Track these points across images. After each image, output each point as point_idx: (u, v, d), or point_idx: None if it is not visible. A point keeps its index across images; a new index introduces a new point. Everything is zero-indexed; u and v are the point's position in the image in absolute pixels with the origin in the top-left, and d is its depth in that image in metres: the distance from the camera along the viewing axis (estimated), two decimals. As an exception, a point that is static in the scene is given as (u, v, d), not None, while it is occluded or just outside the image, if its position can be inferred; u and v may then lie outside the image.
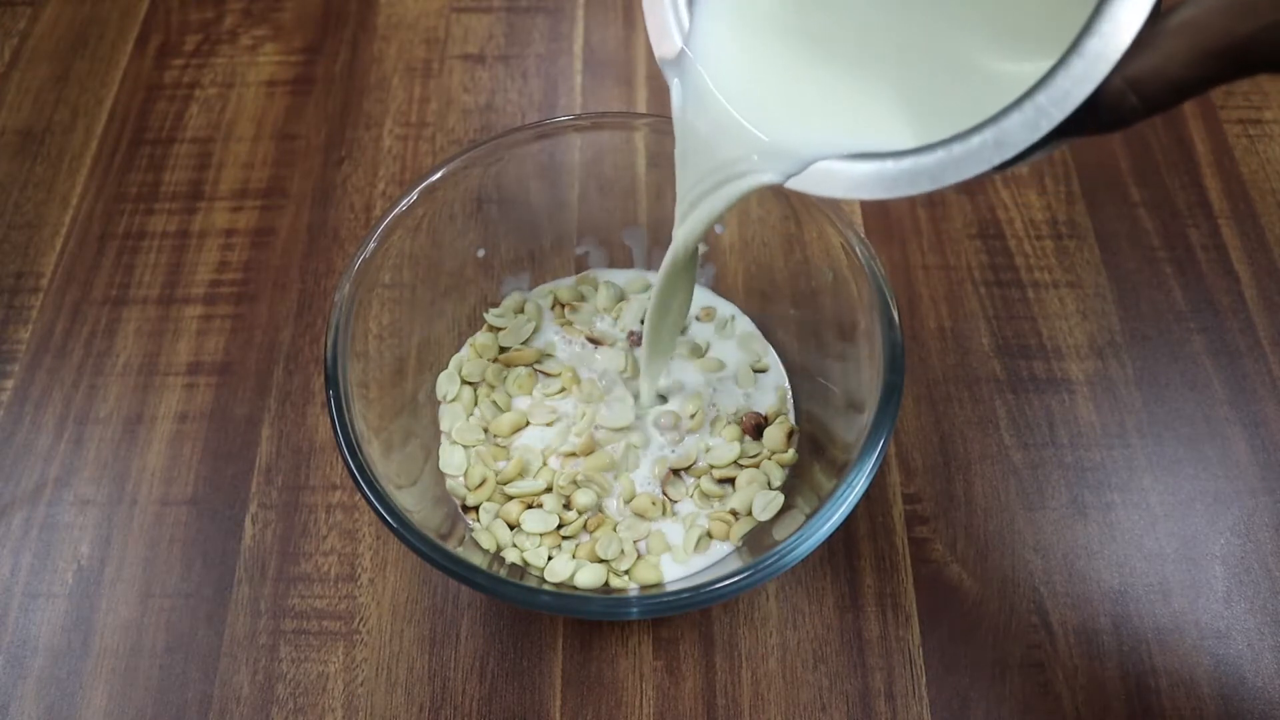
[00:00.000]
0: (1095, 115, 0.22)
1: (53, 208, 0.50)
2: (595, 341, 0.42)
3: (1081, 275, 0.46)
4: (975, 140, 0.23)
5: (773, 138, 0.26)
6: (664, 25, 0.27)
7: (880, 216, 0.48)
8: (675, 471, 0.39)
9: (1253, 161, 0.50)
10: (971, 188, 0.49)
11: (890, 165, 0.25)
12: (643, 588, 0.36)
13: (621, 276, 0.44)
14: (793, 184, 0.26)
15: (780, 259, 0.41)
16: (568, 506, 0.38)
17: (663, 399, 0.40)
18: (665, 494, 0.38)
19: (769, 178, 0.26)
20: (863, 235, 0.36)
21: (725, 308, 0.44)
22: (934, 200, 0.49)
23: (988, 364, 0.44)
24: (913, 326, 0.45)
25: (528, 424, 0.40)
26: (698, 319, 0.43)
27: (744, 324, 0.43)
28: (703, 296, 0.44)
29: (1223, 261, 0.47)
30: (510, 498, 0.38)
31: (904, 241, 0.48)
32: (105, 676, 0.38)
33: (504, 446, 0.40)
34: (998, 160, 0.23)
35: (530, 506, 0.38)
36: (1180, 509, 0.40)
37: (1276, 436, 0.42)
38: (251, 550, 0.40)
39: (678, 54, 0.27)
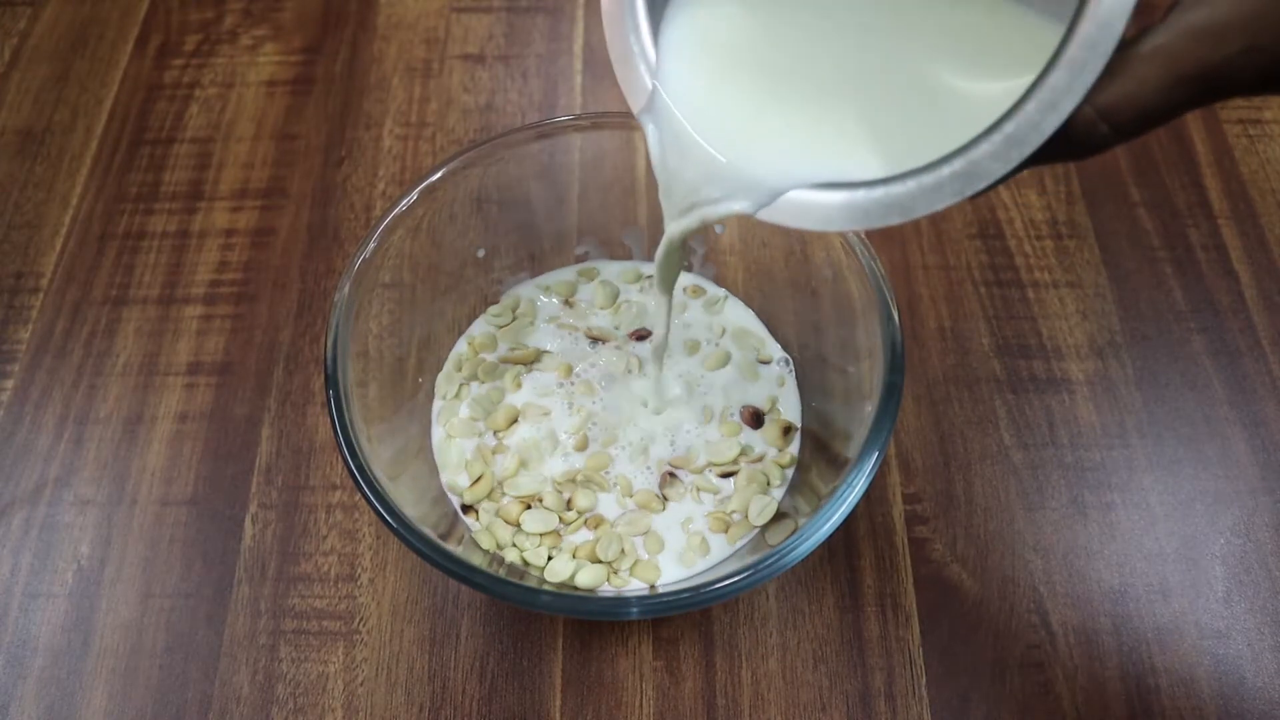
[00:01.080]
0: (1065, 143, 0.22)
1: (53, 208, 0.50)
2: (595, 338, 0.42)
3: (1081, 275, 0.46)
4: (946, 171, 0.23)
5: (744, 169, 0.26)
6: (632, 77, 0.27)
7: (880, 216, 0.48)
8: (672, 473, 0.39)
9: (1253, 161, 0.50)
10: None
11: (861, 195, 0.24)
12: (647, 587, 0.36)
13: (621, 269, 0.44)
14: (764, 215, 0.26)
15: (780, 259, 0.41)
16: (568, 506, 0.38)
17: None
18: (663, 493, 0.38)
19: (740, 207, 0.26)
20: (863, 235, 0.36)
21: (716, 290, 0.44)
22: (934, 200, 0.49)
23: (988, 364, 0.44)
24: (913, 326, 0.45)
25: (523, 419, 0.40)
26: (687, 293, 0.43)
27: (745, 317, 0.43)
28: (696, 283, 0.44)
29: (1223, 261, 0.47)
30: (509, 495, 0.38)
31: (904, 241, 0.48)
32: (105, 676, 0.38)
33: (503, 443, 0.40)
34: (969, 192, 0.23)
35: (529, 507, 0.38)
36: (1180, 509, 0.40)
37: (1276, 436, 0.42)
38: (251, 550, 0.40)
39: (650, 98, 0.27)
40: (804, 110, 0.26)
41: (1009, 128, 0.22)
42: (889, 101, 0.25)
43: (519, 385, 0.41)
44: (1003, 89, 0.23)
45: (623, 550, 0.36)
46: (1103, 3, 0.20)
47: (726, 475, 0.39)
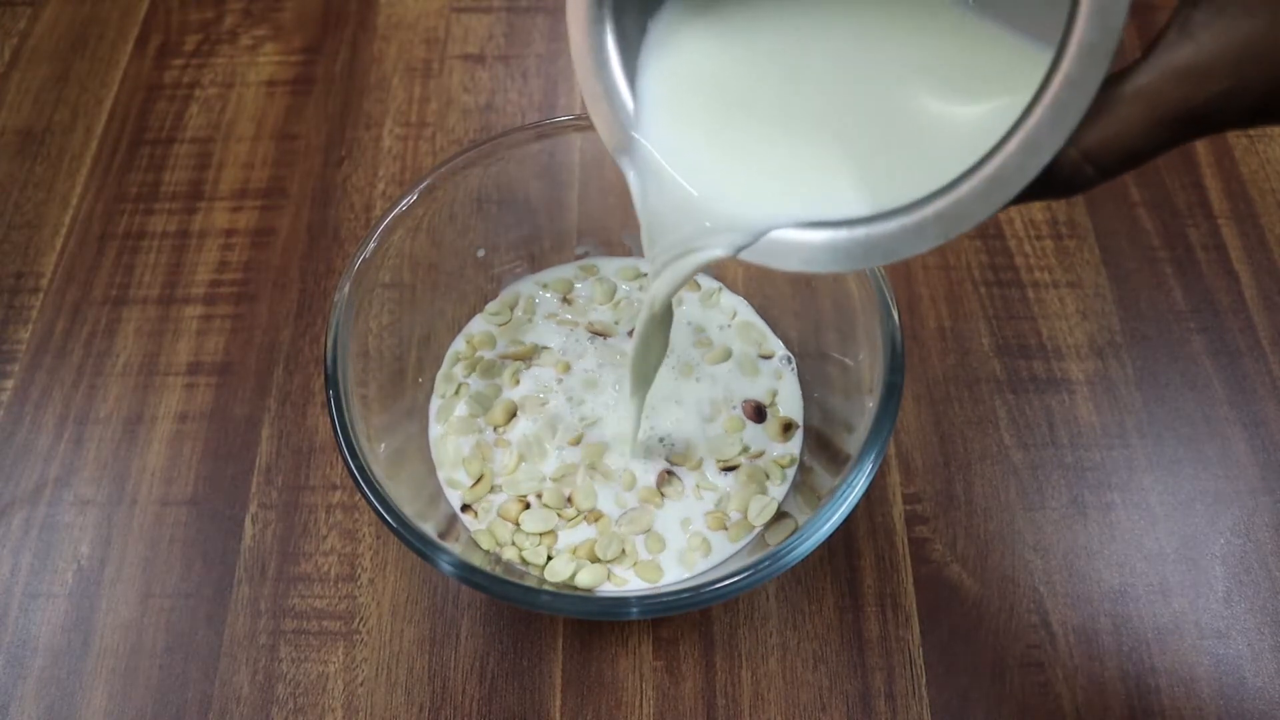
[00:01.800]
0: (1049, 183, 0.21)
1: (53, 208, 0.50)
2: (596, 333, 0.42)
3: (1081, 275, 0.46)
4: (929, 211, 0.23)
5: (725, 210, 0.26)
6: (609, 119, 0.26)
7: (880, 216, 0.48)
8: (671, 471, 0.39)
9: (1253, 161, 0.50)
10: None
11: (844, 236, 0.24)
12: (648, 587, 0.36)
13: (620, 265, 0.44)
14: (746, 256, 0.25)
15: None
16: (568, 502, 0.38)
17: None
18: (662, 491, 0.38)
19: (718, 252, 0.26)
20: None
21: (710, 283, 0.44)
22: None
23: (988, 364, 0.44)
24: (913, 326, 0.45)
25: (522, 415, 0.40)
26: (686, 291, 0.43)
27: (745, 311, 0.43)
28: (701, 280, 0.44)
29: (1223, 261, 0.47)
30: (507, 493, 0.38)
31: (904, 241, 0.47)
32: (105, 676, 0.38)
33: (501, 438, 0.40)
34: (953, 234, 0.22)
35: (528, 506, 0.38)
36: (1180, 509, 0.40)
37: (1276, 436, 0.42)
38: (251, 550, 0.40)
39: (629, 142, 0.26)
40: (784, 148, 0.26)
41: (991, 169, 0.21)
42: (870, 137, 0.25)
43: (517, 381, 0.41)
44: (985, 113, 0.23)
45: (623, 550, 0.36)
46: (1085, 42, 0.20)
47: (728, 469, 0.38)
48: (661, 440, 0.39)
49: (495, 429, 0.40)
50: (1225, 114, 0.20)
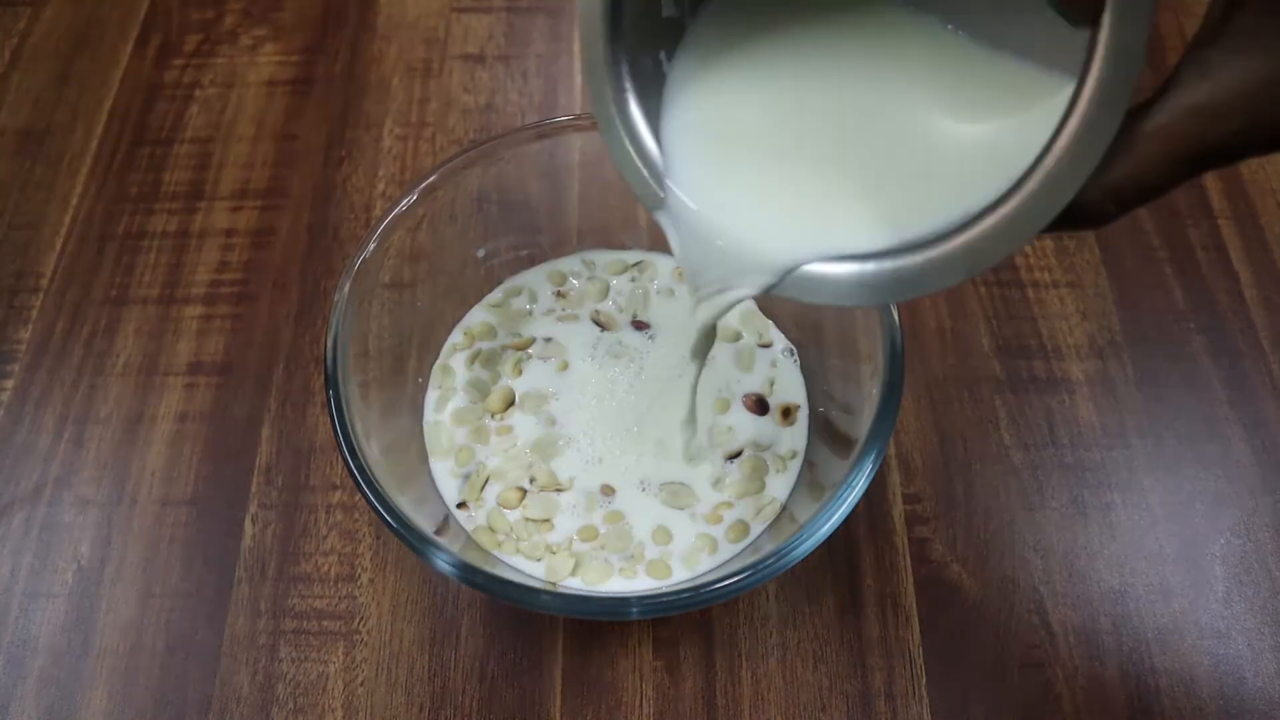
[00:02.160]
0: (1070, 219, 0.22)
1: (53, 208, 0.50)
2: (601, 325, 0.42)
3: (1081, 275, 0.46)
4: (956, 245, 0.23)
5: (751, 253, 0.26)
6: (642, 179, 0.27)
7: (880, 216, 0.48)
8: (670, 468, 0.38)
9: (1253, 162, 0.50)
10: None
11: (872, 270, 0.24)
12: (649, 586, 0.36)
13: (609, 259, 0.44)
14: (779, 292, 0.26)
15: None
16: (558, 488, 0.38)
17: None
18: (662, 488, 0.38)
19: (748, 291, 0.27)
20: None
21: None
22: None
23: (988, 364, 0.44)
24: (913, 326, 0.45)
25: (522, 408, 0.40)
26: (674, 275, 0.43)
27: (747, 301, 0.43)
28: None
29: (1223, 261, 0.47)
30: (504, 486, 0.38)
31: (904, 241, 0.48)
32: (105, 676, 0.38)
33: (502, 424, 0.40)
34: (978, 270, 0.23)
35: (526, 502, 0.38)
36: (1180, 509, 0.40)
37: (1276, 436, 0.42)
38: (251, 550, 0.40)
39: (663, 197, 0.27)
40: (806, 187, 0.26)
41: (1014, 206, 0.22)
42: (888, 171, 0.26)
43: (519, 372, 0.41)
44: (1002, 141, 0.23)
45: (624, 549, 0.36)
46: (1103, 86, 0.20)
47: (731, 458, 0.38)
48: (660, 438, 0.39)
49: (494, 414, 0.40)
50: (1241, 149, 0.20)
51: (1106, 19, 0.19)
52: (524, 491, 0.38)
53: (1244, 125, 0.19)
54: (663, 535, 0.37)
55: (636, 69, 0.26)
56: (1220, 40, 0.20)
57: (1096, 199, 0.21)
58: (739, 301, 0.27)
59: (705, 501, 0.38)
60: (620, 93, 0.26)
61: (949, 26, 0.26)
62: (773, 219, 0.26)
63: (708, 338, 0.33)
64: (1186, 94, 0.20)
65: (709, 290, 0.28)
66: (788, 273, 0.26)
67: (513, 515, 0.37)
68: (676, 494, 0.38)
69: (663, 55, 0.27)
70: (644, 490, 0.38)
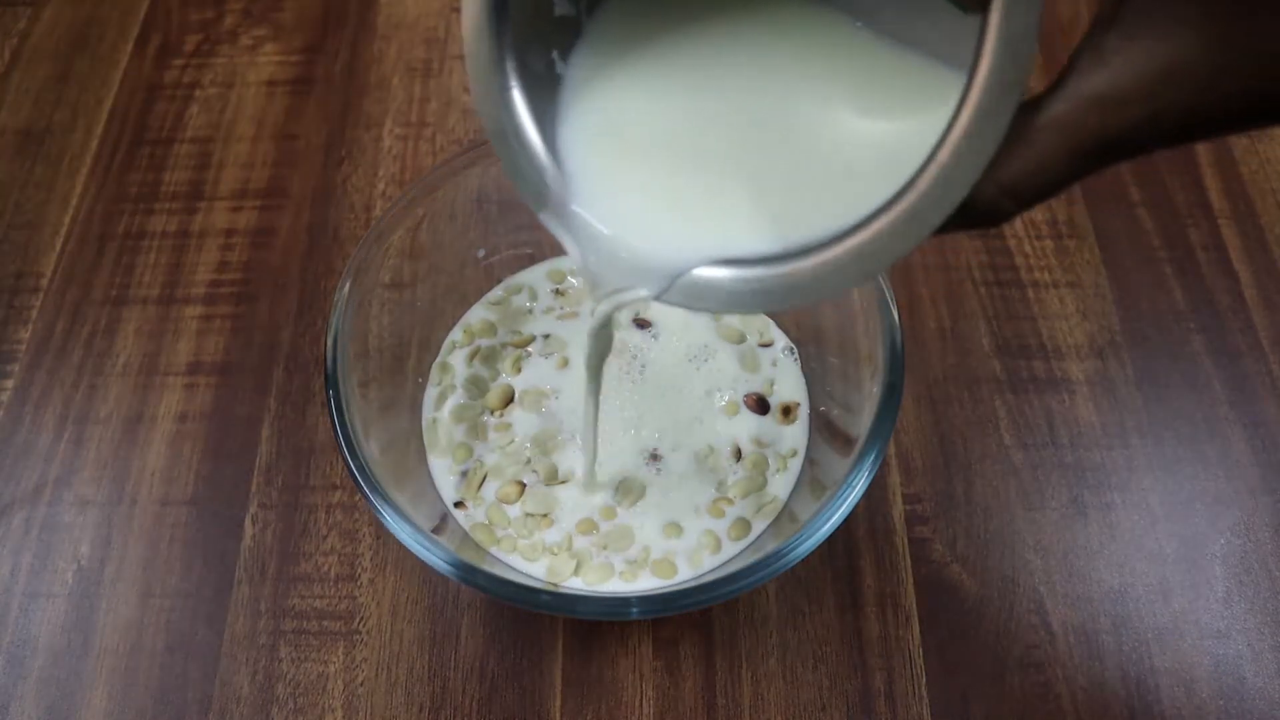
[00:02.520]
0: (968, 216, 0.20)
1: (53, 208, 0.50)
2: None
3: (1081, 275, 0.46)
4: (850, 246, 0.22)
5: (642, 256, 0.26)
6: (528, 181, 0.26)
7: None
8: (667, 459, 0.38)
9: (1253, 161, 0.50)
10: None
11: (763, 274, 0.24)
12: (649, 586, 0.36)
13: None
14: (668, 299, 0.25)
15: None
16: (554, 478, 0.38)
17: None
18: (663, 485, 0.38)
19: (641, 293, 0.26)
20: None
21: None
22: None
23: (988, 364, 0.44)
24: (913, 326, 0.45)
25: (521, 404, 0.40)
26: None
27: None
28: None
29: (1223, 261, 0.47)
30: (502, 482, 0.38)
31: (904, 241, 0.47)
32: (105, 676, 0.38)
33: (501, 420, 0.40)
34: (872, 272, 0.22)
35: (524, 498, 0.38)
36: (1180, 509, 0.40)
37: (1276, 436, 0.42)
38: (251, 550, 0.40)
39: (550, 200, 0.26)
40: (699, 190, 0.26)
41: (906, 205, 0.21)
42: (783, 173, 0.25)
43: (519, 369, 0.41)
44: (899, 142, 0.22)
45: (625, 548, 0.36)
46: (995, 71, 0.19)
47: (733, 458, 0.38)
48: (659, 435, 0.39)
49: (494, 411, 0.40)
50: (1144, 139, 0.19)
51: (996, 3, 0.18)
52: (523, 486, 0.38)
53: (1145, 114, 0.18)
54: (663, 531, 0.37)
55: (525, 69, 0.25)
56: (1117, 25, 0.18)
57: (993, 195, 0.20)
58: (635, 302, 0.27)
59: (706, 497, 0.38)
60: (506, 92, 0.25)
61: (857, 24, 0.25)
62: (663, 223, 0.26)
63: (603, 339, 0.31)
64: (1084, 82, 0.19)
65: (604, 291, 0.27)
66: (677, 277, 0.25)
67: (513, 512, 0.37)
68: (677, 488, 0.38)
69: (555, 55, 0.27)
70: (644, 483, 0.38)
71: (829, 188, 0.24)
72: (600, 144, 0.26)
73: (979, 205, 0.20)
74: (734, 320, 0.42)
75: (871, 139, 0.24)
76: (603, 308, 0.28)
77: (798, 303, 0.23)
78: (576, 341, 0.42)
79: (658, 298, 0.25)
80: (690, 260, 0.25)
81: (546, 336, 0.42)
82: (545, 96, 0.26)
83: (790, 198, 0.24)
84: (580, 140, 0.26)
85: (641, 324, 0.42)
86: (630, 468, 0.38)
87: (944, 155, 0.20)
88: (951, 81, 0.20)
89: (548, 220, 0.27)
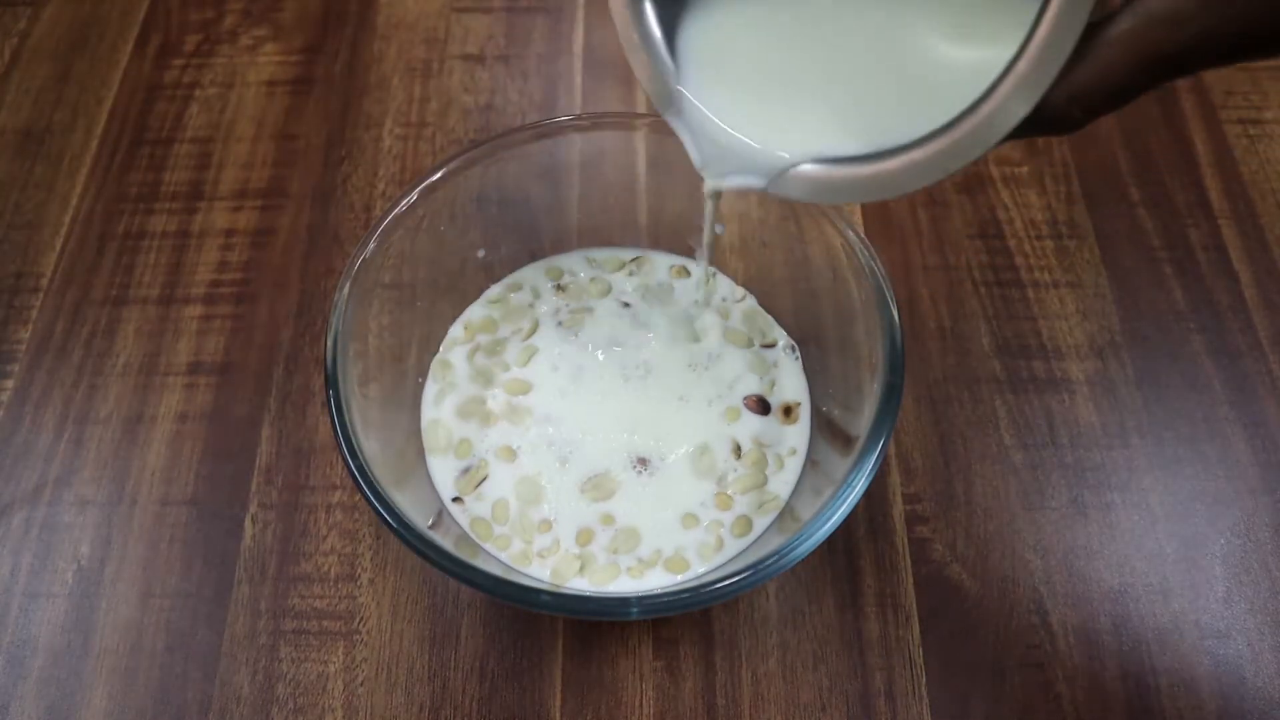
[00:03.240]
0: (1040, 122, 0.23)
1: (53, 208, 0.50)
2: (602, 318, 0.42)
3: (1081, 275, 0.46)
4: (931, 149, 0.25)
5: (751, 151, 0.30)
6: (655, 77, 0.30)
7: (880, 216, 0.48)
8: (643, 460, 0.39)
9: (1253, 161, 0.50)
10: (971, 187, 0.49)
11: (853, 171, 0.27)
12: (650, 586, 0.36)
13: (609, 254, 0.44)
14: (771, 189, 0.29)
15: (780, 259, 0.41)
16: (555, 477, 0.38)
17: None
18: (663, 483, 0.38)
19: (751, 181, 0.30)
20: (863, 235, 0.36)
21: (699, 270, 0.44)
22: (934, 200, 0.49)
23: (988, 364, 0.44)
24: (913, 326, 0.45)
25: (521, 396, 0.40)
26: (672, 274, 0.44)
27: (750, 302, 0.43)
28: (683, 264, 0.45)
29: (1223, 261, 0.47)
30: (500, 477, 0.38)
31: (904, 241, 0.48)
32: (105, 676, 0.38)
33: (503, 414, 0.40)
34: (951, 169, 0.25)
35: (523, 496, 0.38)
36: (1180, 509, 0.40)
37: (1276, 436, 0.42)
38: (251, 550, 0.40)
39: (674, 95, 0.30)
40: (802, 97, 0.29)
41: (986, 109, 0.23)
42: (878, 86, 0.28)
43: (524, 361, 0.41)
44: (982, 60, 0.25)
45: (633, 549, 0.36)
46: None
47: (734, 457, 0.38)
48: (660, 434, 0.39)
49: (494, 404, 0.40)
50: (1202, 55, 0.21)
51: None
52: (523, 483, 0.38)
53: (1201, 30, 0.20)
54: (666, 533, 0.37)
55: None
56: None
57: (1063, 101, 0.22)
58: (744, 188, 0.30)
59: (707, 493, 0.38)
60: (640, 5, 0.29)
61: None
62: (769, 124, 0.29)
63: (714, 209, 0.34)
64: (1147, 2, 0.21)
65: (716, 176, 0.31)
66: (780, 171, 0.29)
67: (513, 506, 0.37)
68: (679, 487, 0.38)
69: None
70: (645, 481, 0.38)
71: (914, 100, 0.27)
72: (719, 54, 0.30)
73: (1050, 110, 0.23)
74: (739, 324, 0.42)
75: (955, 61, 0.27)
76: (715, 185, 0.31)
77: (882, 195, 0.27)
78: (579, 336, 0.42)
79: (765, 188, 0.29)
80: (791, 156, 0.29)
81: (555, 326, 0.42)
82: (671, 10, 0.30)
83: (878, 106, 0.28)
84: (701, 49, 0.30)
85: (642, 321, 0.42)
86: (630, 467, 0.38)
87: (1020, 64, 0.22)
88: (1027, 18, 0.23)
89: (671, 118, 0.31)
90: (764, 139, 0.29)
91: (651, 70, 0.30)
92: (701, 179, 0.31)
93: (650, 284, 0.43)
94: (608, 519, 0.37)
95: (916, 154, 0.25)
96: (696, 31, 0.30)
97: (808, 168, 0.28)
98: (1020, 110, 0.23)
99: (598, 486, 0.38)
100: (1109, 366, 0.44)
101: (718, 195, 0.32)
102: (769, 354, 0.41)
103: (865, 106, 0.28)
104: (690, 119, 0.30)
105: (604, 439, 0.39)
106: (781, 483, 0.38)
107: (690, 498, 0.38)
